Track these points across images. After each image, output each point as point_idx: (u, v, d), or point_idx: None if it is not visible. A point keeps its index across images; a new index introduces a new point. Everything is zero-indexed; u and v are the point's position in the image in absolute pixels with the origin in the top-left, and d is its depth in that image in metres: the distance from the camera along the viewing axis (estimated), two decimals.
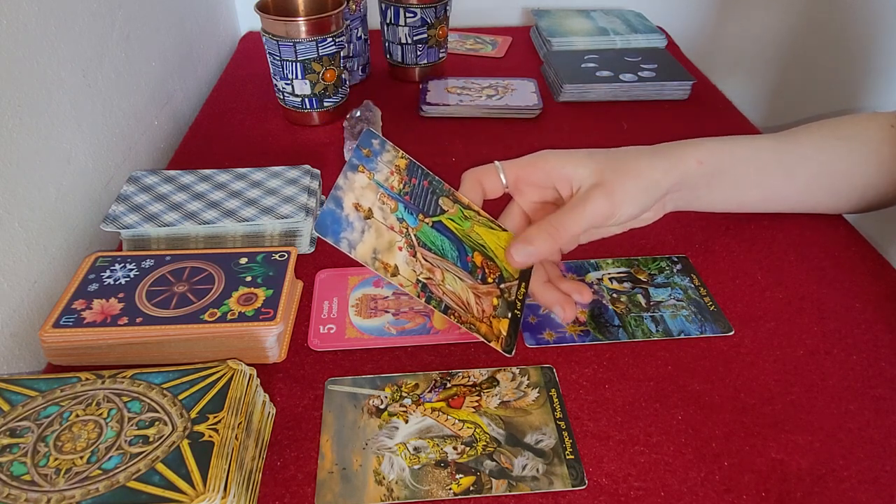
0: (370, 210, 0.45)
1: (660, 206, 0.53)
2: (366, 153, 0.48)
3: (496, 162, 0.51)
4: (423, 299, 0.44)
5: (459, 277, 0.47)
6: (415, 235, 0.46)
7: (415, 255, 0.46)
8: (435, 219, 0.48)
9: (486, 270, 0.48)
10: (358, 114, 0.76)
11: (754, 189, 0.57)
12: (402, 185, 0.48)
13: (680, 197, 0.54)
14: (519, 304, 0.49)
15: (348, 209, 0.44)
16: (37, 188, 0.53)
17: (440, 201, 0.49)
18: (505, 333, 0.47)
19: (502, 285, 0.49)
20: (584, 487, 0.41)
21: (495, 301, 0.48)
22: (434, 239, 0.47)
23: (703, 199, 0.56)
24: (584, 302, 0.51)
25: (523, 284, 0.50)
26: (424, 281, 0.45)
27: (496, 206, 0.53)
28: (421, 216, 0.47)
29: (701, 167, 0.52)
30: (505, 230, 0.51)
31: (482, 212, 0.51)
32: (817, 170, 0.57)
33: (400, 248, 0.45)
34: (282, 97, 0.79)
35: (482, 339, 0.46)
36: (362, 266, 0.58)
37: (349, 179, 0.45)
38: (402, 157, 0.49)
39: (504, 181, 0.51)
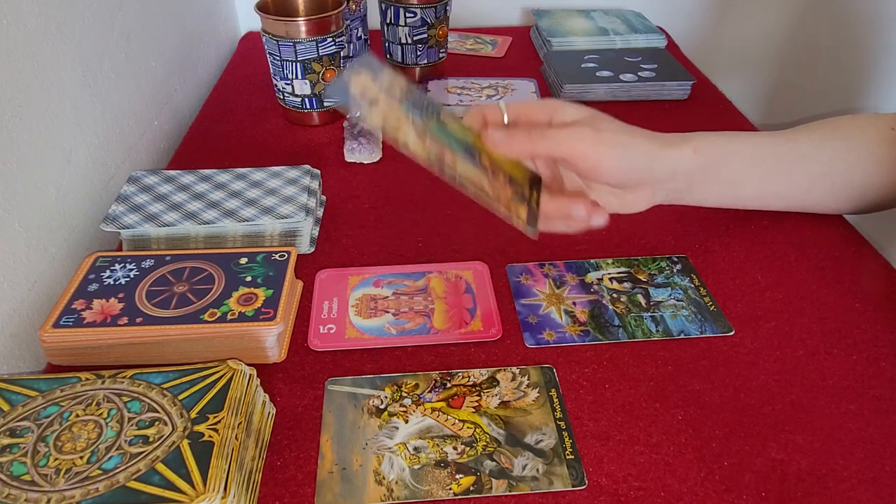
0: (376, 98, 0.44)
1: (649, 193, 0.52)
2: (370, 65, 0.46)
3: (500, 103, 0.50)
4: (437, 171, 0.43)
5: (471, 166, 0.45)
6: (422, 127, 0.45)
7: (423, 140, 0.44)
8: (438, 120, 0.46)
9: (495, 171, 0.46)
10: (358, 114, 0.76)
11: (750, 185, 0.57)
12: (402, 95, 0.46)
13: (673, 188, 0.53)
14: (535, 202, 0.46)
15: (356, 90, 0.43)
16: (37, 188, 0.53)
17: (442, 115, 0.47)
18: (525, 216, 0.45)
19: (513, 185, 0.47)
20: (584, 487, 0.41)
21: (509, 192, 0.46)
22: (441, 134, 0.45)
23: (697, 193, 0.55)
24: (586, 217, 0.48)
25: (535, 191, 0.47)
26: (434, 160, 0.43)
27: None
28: (424, 117, 0.46)
29: (696, 157, 0.52)
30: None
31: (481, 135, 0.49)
32: (816, 168, 0.57)
33: (409, 131, 0.44)
34: (282, 97, 0.79)
35: (504, 215, 0.44)
36: (362, 267, 0.58)
37: (354, 72, 0.44)
38: (402, 79, 0.47)
39: (506, 118, 0.49)
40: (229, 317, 0.47)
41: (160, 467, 0.36)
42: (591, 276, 0.57)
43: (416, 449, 0.43)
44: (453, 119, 0.48)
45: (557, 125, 0.49)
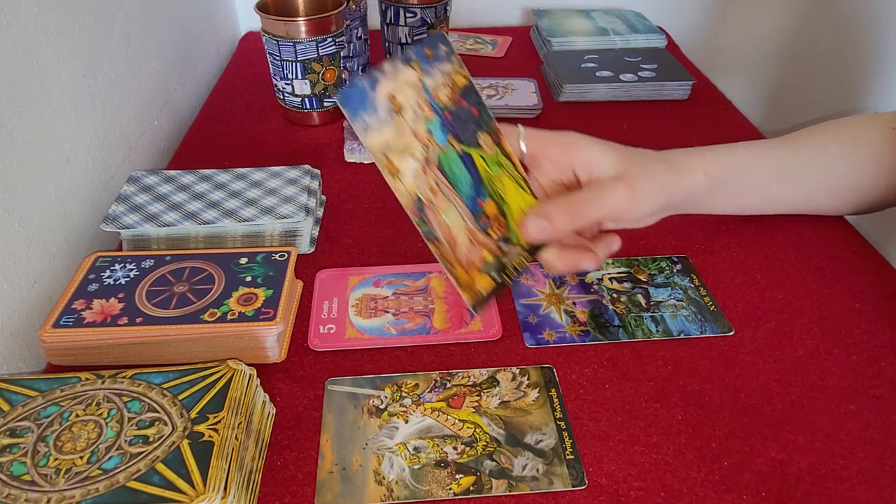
0: (403, 107, 0.41)
1: (661, 214, 0.53)
2: (427, 53, 0.42)
3: (519, 126, 0.48)
4: (414, 218, 0.41)
5: (462, 216, 0.43)
6: (436, 155, 0.42)
7: (426, 172, 0.41)
8: (466, 148, 0.44)
9: (494, 224, 0.45)
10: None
11: (755, 195, 0.58)
12: (449, 102, 0.43)
13: (681, 206, 0.54)
14: (513, 273, 0.45)
15: (381, 96, 0.40)
16: (37, 188, 0.53)
17: (480, 136, 0.45)
18: (482, 292, 0.44)
19: (503, 246, 0.45)
20: (584, 487, 0.41)
21: (487, 256, 0.44)
22: (454, 167, 0.43)
23: (704, 207, 0.56)
24: (610, 251, 0.48)
25: (528, 256, 0.46)
26: (423, 200, 0.41)
27: None
28: (452, 138, 0.43)
29: (707, 179, 0.52)
30: (534, 196, 0.47)
31: (519, 166, 0.47)
32: (819, 174, 0.57)
33: (414, 158, 0.41)
34: (282, 97, 0.79)
35: (454, 283, 0.42)
36: (362, 267, 0.58)
37: (396, 69, 0.41)
38: (462, 75, 0.44)
39: (523, 149, 0.48)
40: (229, 317, 0.47)
41: (160, 467, 0.36)
42: (591, 276, 0.57)
43: (416, 449, 0.43)
44: (493, 143, 0.45)
45: (585, 180, 0.48)
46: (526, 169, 0.49)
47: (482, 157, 0.45)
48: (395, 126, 0.40)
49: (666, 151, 0.53)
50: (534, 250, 0.47)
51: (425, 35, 0.45)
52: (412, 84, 0.41)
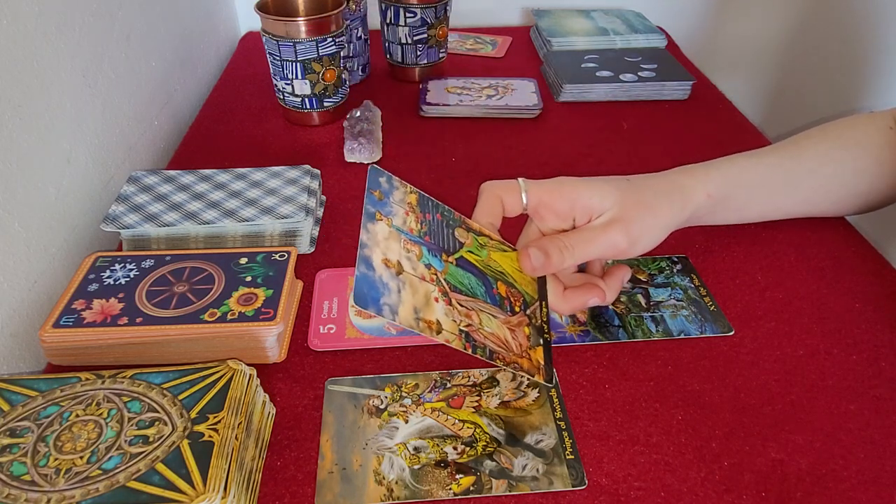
0: (399, 263, 0.43)
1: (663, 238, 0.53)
2: (377, 196, 0.45)
3: (520, 180, 0.49)
4: (470, 350, 0.43)
5: (493, 315, 0.46)
6: (444, 280, 0.45)
7: (451, 303, 0.44)
8: (457, 255, 0.47)
9: (512, 300, 0.47)
10: (358, 114, 0.76)
11: (756, 207, 0.58)
12: (419, 226, 0.46)
13: (683, 225, 0.54)
14: (546, 326, 0.48)
15: (379, 268, 0.42)
16: (37, 188, 0.53)
17: (456, 233, 0.48)
18: (543, 363, 0.46)
19: (528, 311, 0.48)
20: (584, 487, 0.41)
21: (527, 330, 0.47)
22: (461, 279, 0.46)
23: (704, 222, 0.56)
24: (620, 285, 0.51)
25: (544, 304, 0.49)
26: (466, 330, 0.44)
27: (512, 230, 0.52)
28: (444, 256, 0.46)
29: (710, 200, 0.53)
30: (515, 249, 0.50)
31: (493, 235, 0.50)
32: (821, 181, 0.57)
33: (436, 300, 0.44)
34: (282, 97, 0.79)
35: (527, 375, 0.45)
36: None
37: (371, 232, 0.43)
38: (411, 193, 0.48)
39: (525, 201, 0.49)
40: (229, 317, 0.47)
41: (160, 467, 0.36)
42: None
43: (416, 449, 0.43)
44: (466, 231, 0.48)
45: (583, 224, 0.49)
46: (525, 218, 0.51)
47: (469, 251, 0.48)
48: (408, 285, 0.43)
49: (670, 175, 0.53)
50: (543, 297, 0.49)
51: (371, 169, 0.47)
52: (389, 235, 0.44)
